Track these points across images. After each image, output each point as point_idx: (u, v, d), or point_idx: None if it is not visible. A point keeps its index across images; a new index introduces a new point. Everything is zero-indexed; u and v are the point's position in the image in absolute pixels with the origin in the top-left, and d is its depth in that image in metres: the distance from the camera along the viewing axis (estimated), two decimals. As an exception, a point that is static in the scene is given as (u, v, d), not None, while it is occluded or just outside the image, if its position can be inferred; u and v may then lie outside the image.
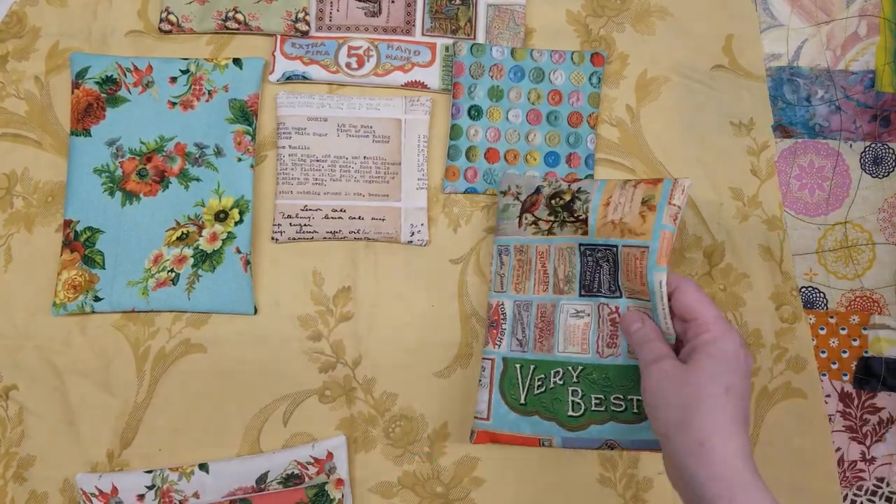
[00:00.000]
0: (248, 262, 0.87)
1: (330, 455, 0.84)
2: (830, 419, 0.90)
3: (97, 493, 0.82)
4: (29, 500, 0.85)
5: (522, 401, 0.80)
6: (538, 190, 0.85)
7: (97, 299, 0.86)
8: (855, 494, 0.89)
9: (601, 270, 0.78)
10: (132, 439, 0.86)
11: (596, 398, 0.77)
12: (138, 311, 0.87)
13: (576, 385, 0.78)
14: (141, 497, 0.82)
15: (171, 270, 0.87)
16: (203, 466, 0.83)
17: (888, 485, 0.89)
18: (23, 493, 0.85)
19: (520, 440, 0.79)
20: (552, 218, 0.82)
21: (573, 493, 0.88)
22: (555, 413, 0.78)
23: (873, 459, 0.90)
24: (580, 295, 0.79)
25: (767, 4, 0.96)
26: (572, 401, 0.78)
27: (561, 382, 0.78)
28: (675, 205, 0.74)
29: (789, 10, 0.96)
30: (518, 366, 0.81)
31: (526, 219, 0.85)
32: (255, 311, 0.88)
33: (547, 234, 0.83)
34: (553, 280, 0.81)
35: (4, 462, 0.86)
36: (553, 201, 0.82)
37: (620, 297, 0.77)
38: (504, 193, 0.87)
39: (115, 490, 0.82)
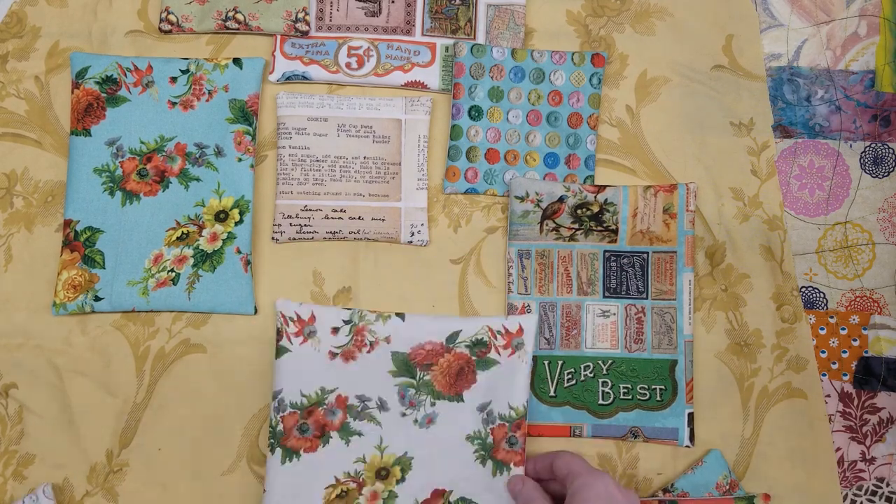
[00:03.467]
0: (248, 262, 0.87)
1: (521, 329, 0.85)
2: (830, 419, 0.90)
3: (296, 317, 0.83)
4: (28, 499, 0.85)
5: (552, 393, 0.88)
6: (562, 199, 0.88)
7: (97, 299, 0.86)
8: (855, 494, 0.89)
9: (627, 275, 0.89)
10: (131, 439, 0.86)
11: (624, 387, 0.87)
12: (138, 311, 0.87)
13: (605, 377, 0.88)
14: (336, 330, 0.84)
15: (172, 270, 0.87)
16: (400, 314, 0.85)
17: (888, 485, 0.89)
18: (22, 492, 0.85)
19: (551, 430, 0.87)
20: (576, 226, 0.89)
21: (573, 493, 0.88)
22: (585, 402, 0.87)
23: (873, 459, 0.90)
24: (604, 296, 0.89)
25: (767, 4, 0.96)
26: (602, 391, 0.88)
27: (591, 375, 0.88)
28: (691, 210, 0.88)
29: (789, 10, 0.96)
30: (546, 362, 0.88)
31: (547, 225, 0.89)
32: (255, 312, 0.88)
33: (568, 240, 0.89)
34: (576, 283, 0.89)
35: (4, 460, 0.86)
36: (579, 211, 0.88)
37: (647, 298, 0.88)
38: (521, 199, 0.88)
39: (312, 318, 0.83)
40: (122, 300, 0.86)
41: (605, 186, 0.89)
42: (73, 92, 0.89)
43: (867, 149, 0.94)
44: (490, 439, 0.83)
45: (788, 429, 0.89)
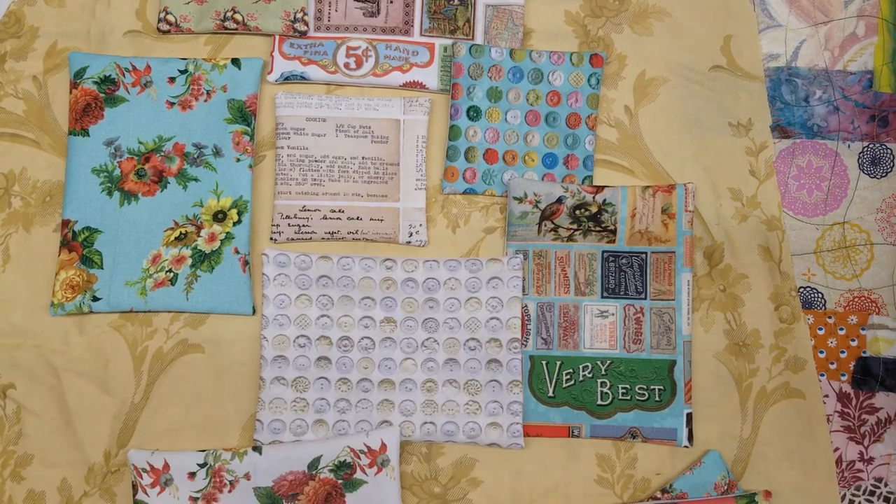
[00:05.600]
0: (246, 263, 0.87)
1: (384, 446, 0.83)
2: (829, 419, 0.90)
3: (149, 468, 0.81)
4: (27, 498, 0.85)
5: (551, 394, 0.88)
6: (560, 200, 0.88)
7: (95, 299, 0.86)
8: (853, 494, 0.89)
9: (626, 275, 0.89)
10: (129, 439, 0.86)
11: (623, 388, 0.88)
12: (136, 311, 0.87)
13: (604, 377, 0.88)
14: (192, 475, 0.82)
15: (170, 270, 0.87)
16: (257, 448, 0.83)
17: (886, 485, 0.89)
18: (20, 492, 0.85)
19: (550, 430, 0.87)
20: (574, 226, 0.89)
21: (571, 493, 0.88)
22: (584, 403, 0.88)
23: (871, 459, 0.90)
24: (602, 297, 0.89)
25: (766, 5, 0.96)
26: (601, 391, 0.88)
27: (590, 375, 0.88)
28: (689, 211, 0.88)
29: (787, 10, 0.96)
30: (544, 362, 0.88)
31: (545, 226, 0.89)
32: (253, 312, 0.88)
33: (566, 240, 0.89)
34: (574, 283, 0.89)
35: (2, 460, 0.85)
36: (578, 211, 0.88)
37: (645, 298, 0.88)
38: (520, 200, 0.88)
39: (166, 466, 0.81)
40: (120, 300, 0.86)
41: (603, 187, 0.89)
42: (71, 92, 0.88)
43: (865, 149, 0.94)
44: None
45: (787, 429, 0.89)
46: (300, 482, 0.82)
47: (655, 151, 0.93)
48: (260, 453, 0.82)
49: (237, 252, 0.87)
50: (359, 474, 0.83)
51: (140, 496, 0.81)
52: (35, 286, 0.88)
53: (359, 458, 0.83)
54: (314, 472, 0.82)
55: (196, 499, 0.82)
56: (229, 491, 0.82)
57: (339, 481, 0.83)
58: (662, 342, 0.88)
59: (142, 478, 0.81)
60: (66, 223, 0.87)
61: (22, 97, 0.91)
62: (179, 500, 0.82)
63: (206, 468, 0.82)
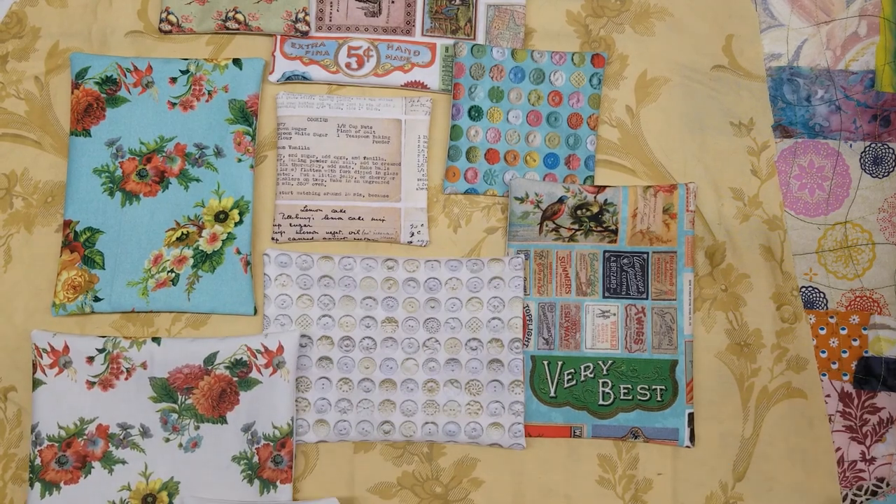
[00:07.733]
0: (248, 263, 0.87)
1: (281, 348, 0.83)
2: (830, 419, 0.90)
3: (49, 349, 0.82)
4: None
5: (552, 394, 0.88)
6: (561, 200, 0.88)
7: (97, 299, 0.86)
8: (855, 494, 0.89)
9: (627, 275, 0.89)
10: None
11: (624, 388, 0.88)
12: (138, 312, 0.87)
13: (606, 377, 0.88)
14: (90, 359, 0.82)
15: (171, 271, 0.87)
16: (156, 339, 0.83)
17: (888, 485, 0.89)
18: (22, 494, 0.85)
19: (551, 430, 0.88)
20: (576, 226, 0.89)
21: (572, 494, 0.88)
22: (586, 403, 0.88)
23: (873, 459, 0.90)
24: (604, 297, 0.89)
25: (767, 4, 0.96)
26: (602, 391, 0.88)
27: (592, 375, 0.88)
28: (691, 210, 0.88)
29: (789, 10, 0.96)
30: (546, 362, 0.88)
31: (547, 226, 0.89)
32: (255, 312, 0.88)
33: (568, 240, 0.89)
34: (575, 283, 0.89)
35: (3, 463, 0.85)
36: (579, 211, 0.88)
37: (647, 298, 0.88)
38: (521, 200, 0.88)
39: (66, 349, 0.82)
40: (121, 301, 0.86)
41: (604, 187, 0.89)
42: (72, 92, 0.88)
43: (867, 149, 0.94)
44: (256, 459, 0.82)
45: (788, 429, 0.89)
46: (196, 376, 0.83)
47: (657, 151, 0.93)
48: (158, 344, 0.83)
49: (239, 252, 0.87)
50: (254, 373, 0.83)
51: (38, 375, 0.82)
52: (37, 287, 0.88)
53: (255, 357, 0.83)
54: (210, 368, 0.83)
55: (93, 383, 0.82)
56: (126, 378, 0.82)
57: (235, 379, 0.83)
58: (664, 342, 0.88)
59: (42, 358, 0.82)
60: (67, 224, 0.87)
61: (23, 98, 0.91)
62: (77, 382, 0.82)
63: (104, 353, 0.82)
